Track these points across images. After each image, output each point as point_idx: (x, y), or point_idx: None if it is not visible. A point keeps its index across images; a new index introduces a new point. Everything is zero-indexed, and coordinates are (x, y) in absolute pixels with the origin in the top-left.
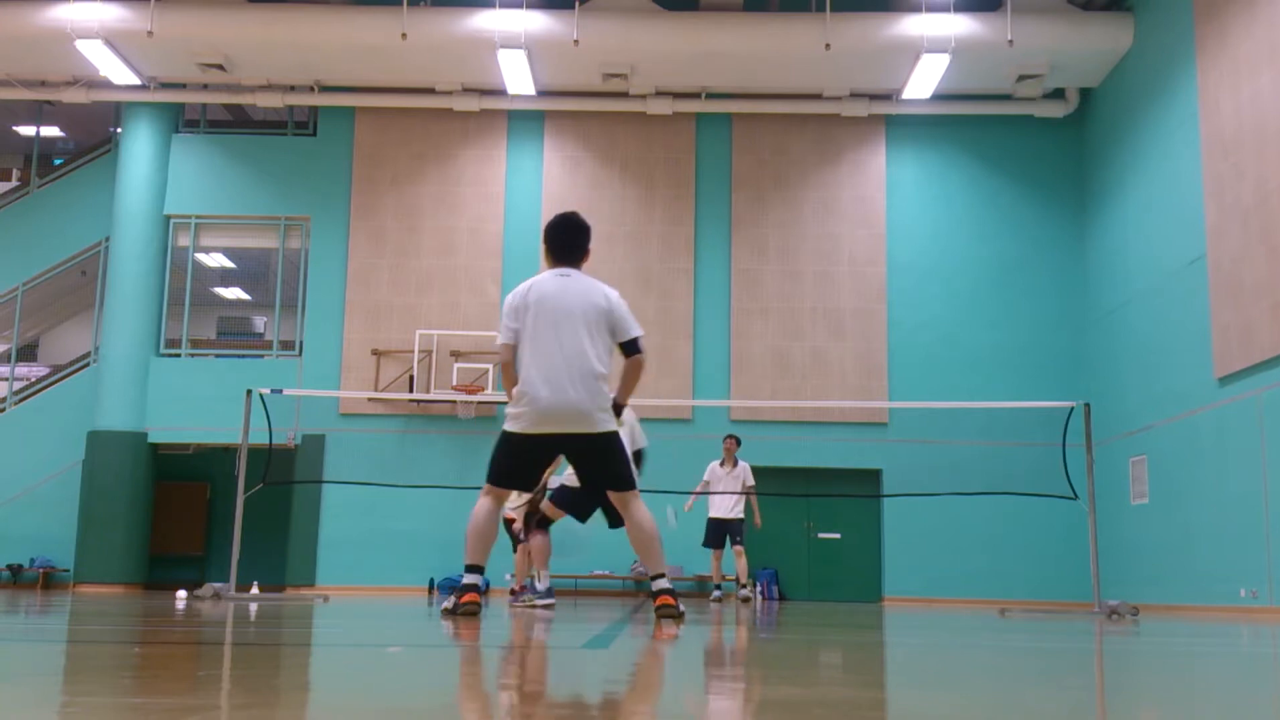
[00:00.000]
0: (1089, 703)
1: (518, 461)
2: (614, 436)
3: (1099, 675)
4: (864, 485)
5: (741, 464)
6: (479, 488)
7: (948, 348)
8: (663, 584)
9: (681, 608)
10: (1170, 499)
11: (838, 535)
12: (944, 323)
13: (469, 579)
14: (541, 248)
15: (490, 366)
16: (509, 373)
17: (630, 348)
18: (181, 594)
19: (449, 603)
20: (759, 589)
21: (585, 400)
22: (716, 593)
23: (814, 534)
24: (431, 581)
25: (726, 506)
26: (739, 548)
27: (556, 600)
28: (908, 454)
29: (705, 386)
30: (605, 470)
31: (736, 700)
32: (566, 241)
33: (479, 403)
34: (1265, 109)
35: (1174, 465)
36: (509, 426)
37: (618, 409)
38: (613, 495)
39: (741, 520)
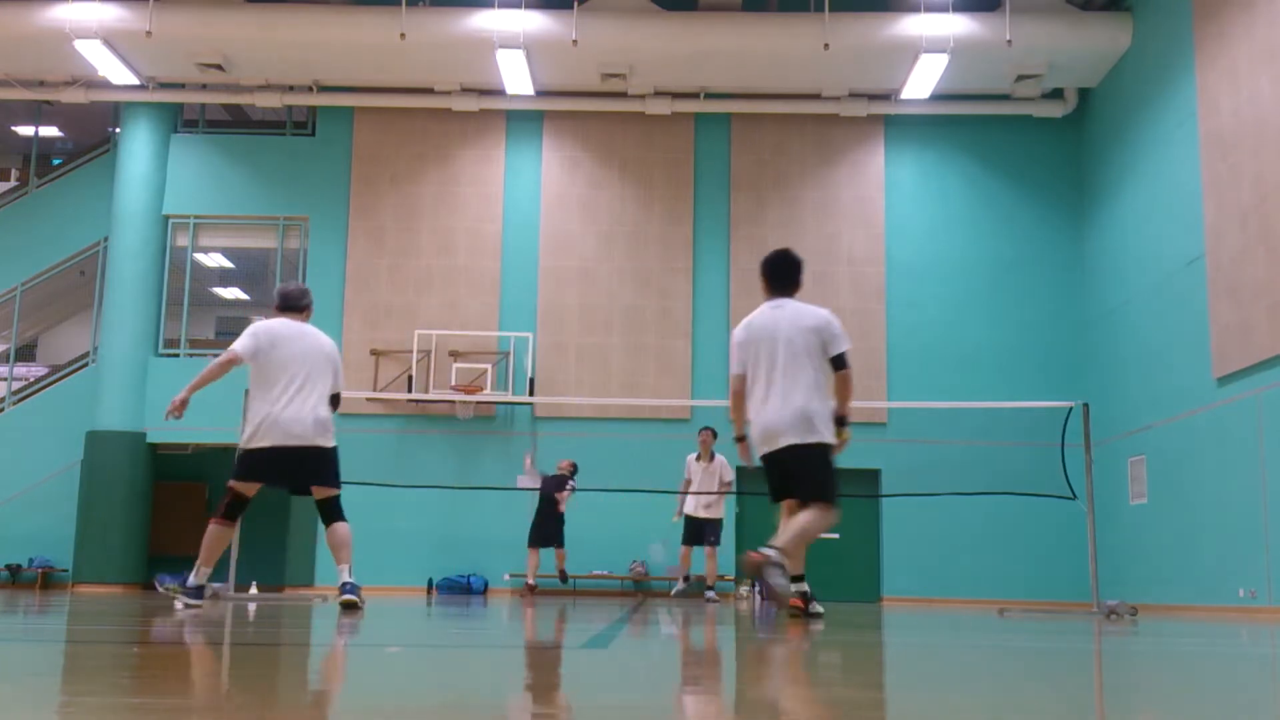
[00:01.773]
0: (1088, 703)
1: (773, 479)
2: (825, 448)
3: (1098, 675)
4: (863, 485)
5: (719, 458)
6: (478, 488)
7: (946, 347)
8: (801, 586)
9: (816, 608)
10: (1169, 499)
11: (836, 535)
12: (943, 322)
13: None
14: (761, 282)
15: (489, 366)
16: (739, 402)
17: (838, 362)
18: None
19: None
20: (757, 589)
21: (800, 415)
22: (679, 586)
23: None
24: (430, 581)
25: (703, 504)
26: (711, 549)
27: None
28: (907, 454)
29: (704, 386)
30: (808, 478)
31: (736, 700)
32: (780, 275)
33: (478, 403)
34: (1264, 109)
35: (1173, 465)
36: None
37: (840, 420)
38: (798, 502)
39: (719, 520)
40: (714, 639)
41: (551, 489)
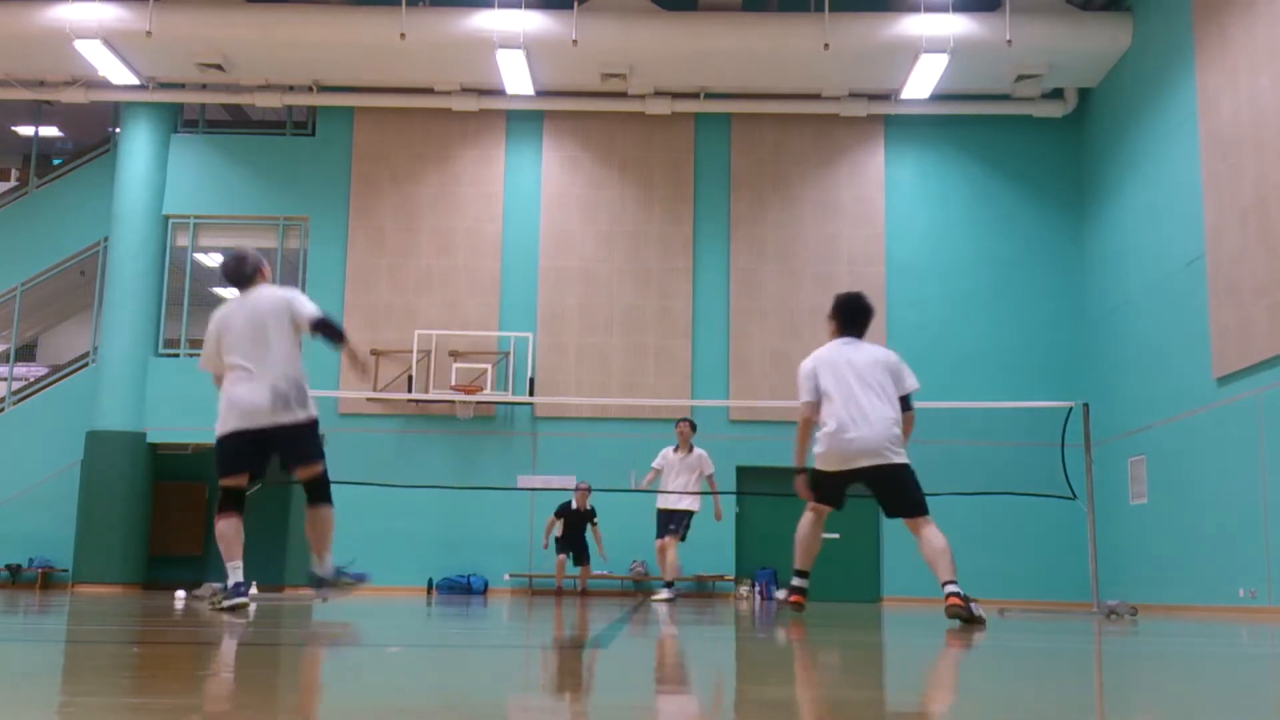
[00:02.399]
0: (1088, 703)
1: (828, 489)
2: (907, 467)
3: (1098, 675)
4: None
5: (697, 451)
6: (478, 488)
7: (946, 348)
8: (952, 589)
9: (977, 611)
10: (1169, 499)
11: (836, 535)
12: (943, 323)
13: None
14: (829, 324)
15: (489, 366)
16: (807, 428)
17: (906, 403)
18: (180, 594)
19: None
20: (757, 589)
21: (882, 438)
22: (665, 592)
23: None
24: (430, 581)
25: (674, 497)
26: (671, 540)
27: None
28: (907, 454)
29: (704, 386)
30: (900, 496)
31: (736, 700)
32: (854, 317)
33: (478, 403)
34: (1264, 109)
35: (1173, 465)
36: (820, 466)
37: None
38: (906, 520)
39: (689, 514)
40: (714, 639)
41: (585, 520)
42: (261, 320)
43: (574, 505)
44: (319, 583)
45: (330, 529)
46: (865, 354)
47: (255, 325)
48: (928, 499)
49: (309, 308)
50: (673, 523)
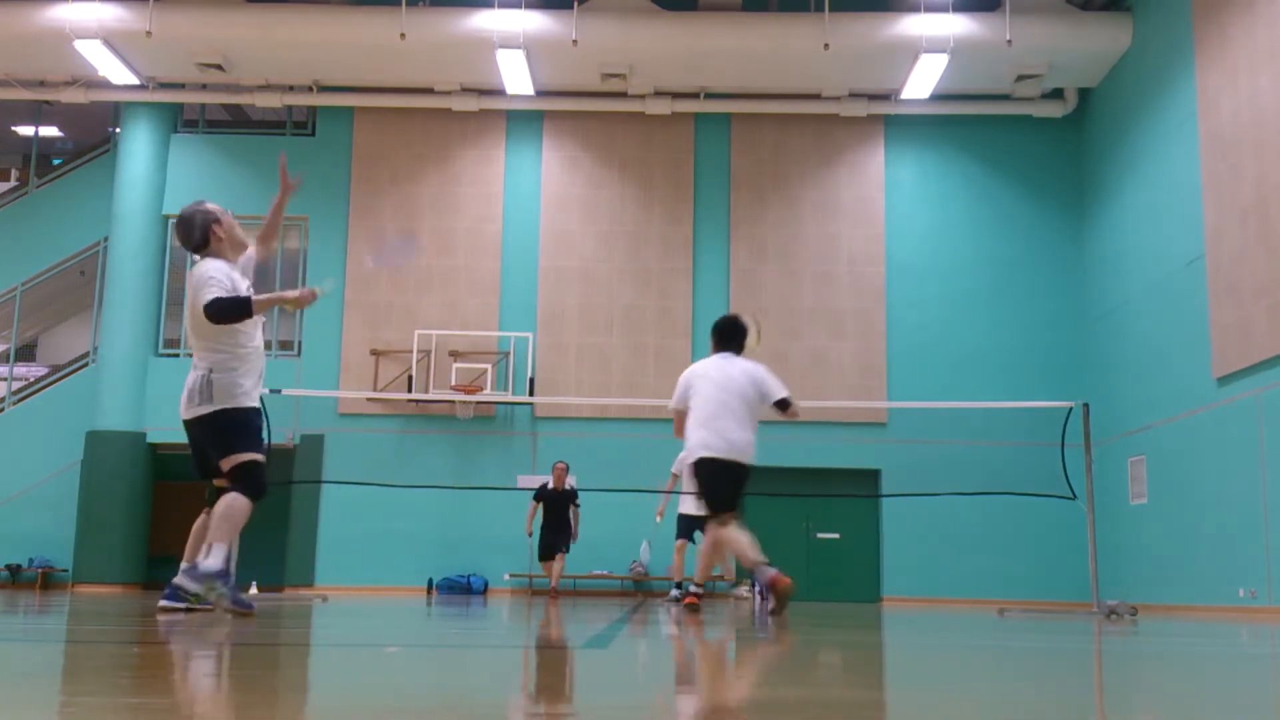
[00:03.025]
0: (1088, 703)
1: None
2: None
3: (1097, 675)
4: (863, 485)
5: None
6: (478, 488)
7: (947, 348)
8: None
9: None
10: (1169, 499)
11: (836, 535)
12: (943, 322)
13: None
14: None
15: (489, 366)
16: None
17: (782, 405)
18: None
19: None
20: (756, 589)
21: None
22: (675, 592)
23: (812, 534)
24: (430, 581)
25: (699, 502)
26: (684, 542)
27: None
28: (907, 454)
29: None
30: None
31: (736, 700)
32: (728, 335)
33: (478, 403)
34: (1264, 109)
35: (1173, 465)
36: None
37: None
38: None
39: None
40: (713, 639)
41: (565, 501)
42: (189, 304)
43: (550, 485)
44: (174, 590)
45: (231, 524)
46: (736, 368)
47: (188, 308)
48: (924, 499)
49: (202, 296)
50: (698, 526)
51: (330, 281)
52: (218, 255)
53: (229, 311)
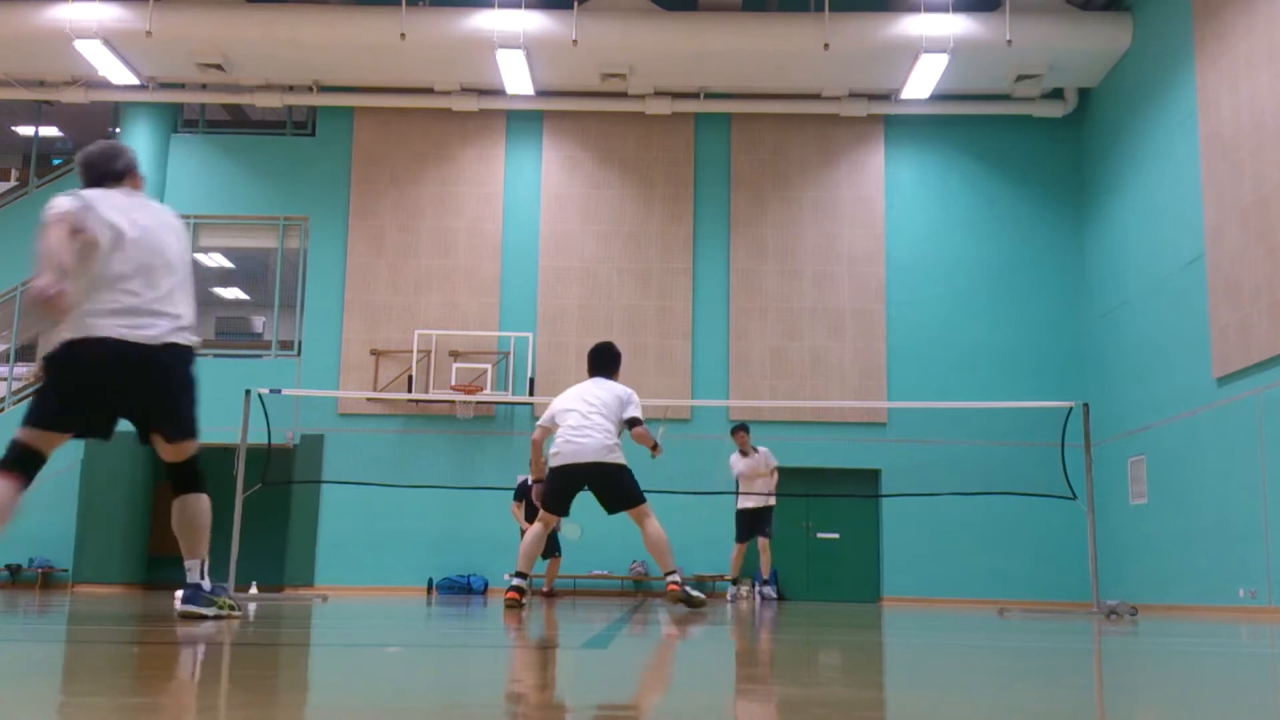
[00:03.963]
0: (1088, 703)
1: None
2: (622, 468)
3: (1097, 675)
4: (863, 485)
5: (762, 449)
6: (478, 488)
7: (946, 348)
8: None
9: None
10: (1169, 499)
11: (836, 535)
12: (943, 322)
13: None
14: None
15: (489, 366)
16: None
17: (632, 424)
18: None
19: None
20: (756, 589)
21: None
22: (733, 589)
23: (813, 534)
24: (430, 581)
25: (755, 498)
26: (764, 541)
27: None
28: (907, 454)
29: (704, 386)
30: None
31: (736, 700)
32: (600, 361)
33: (477, 403)
34: (1264, 109)
35: (1173, 465)
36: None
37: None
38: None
39: (769, 509)
40: (712, 639)
41: None
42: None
43: (531, 480)
44: (197, 596)
45: (206, 524)
46: (605, 390)
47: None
48: (924, 499)
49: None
50: (762, 523)
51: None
52: None
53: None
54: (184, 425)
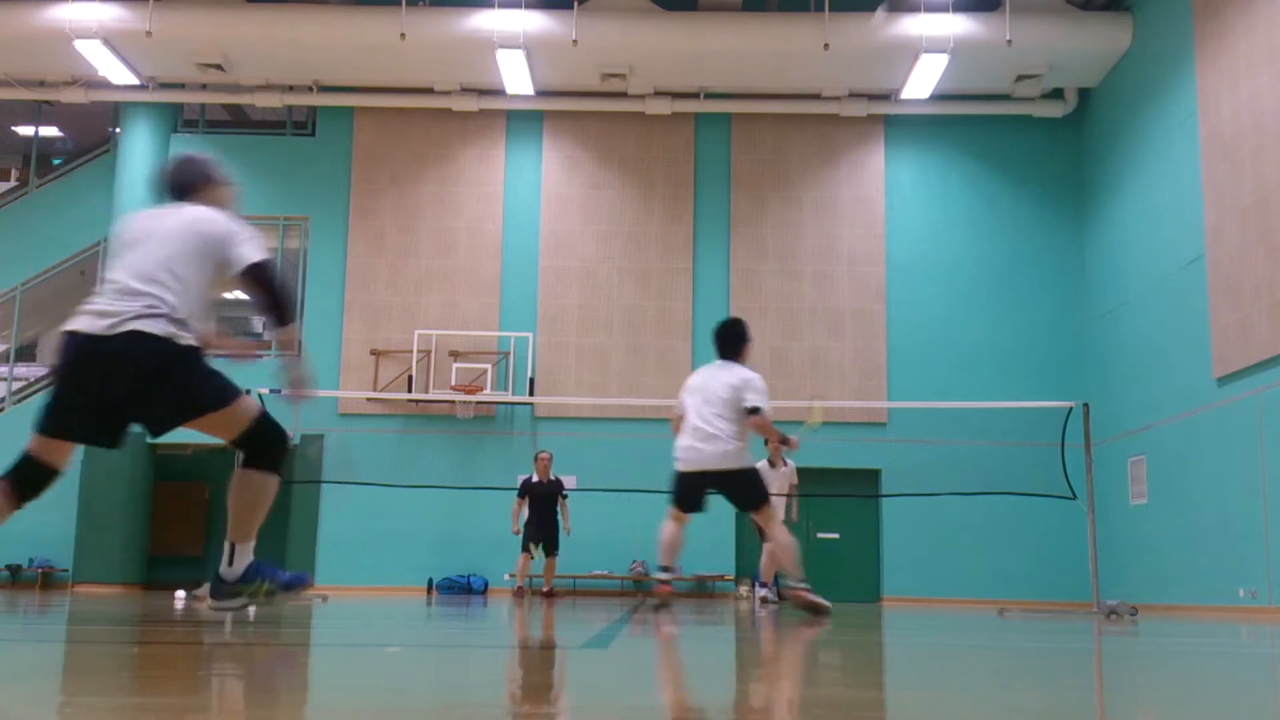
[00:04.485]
0: (1088, 703)
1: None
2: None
3: (1097, 675)
4: (863, 485)
5: (790, 464)
6: (478, 488)
7: (946, 348)
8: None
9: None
10: (1169, 499)
11: (836, 535)
12: (943, 322)
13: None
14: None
15: (489, 366)
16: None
17: (750, 412)
18: (180, 594)
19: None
20: (757, 589)
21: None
22: (763, 591)
23: (812, 534)
24: (430, 581)
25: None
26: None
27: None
28: (907, 454)
29: None
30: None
31: (736, 700)
32: (724, 342)
33: (478, 403)
34: (1264, 109)
35: (1173, 465)
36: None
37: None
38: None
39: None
40: (713, 639)
41: (553, 493)
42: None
43: (535, 478)
44: (219, 588)
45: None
46: (727, 376)
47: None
48: (924, 499)
49: (242, 254)
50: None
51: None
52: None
53: (281, 291)
54: (166, 416)
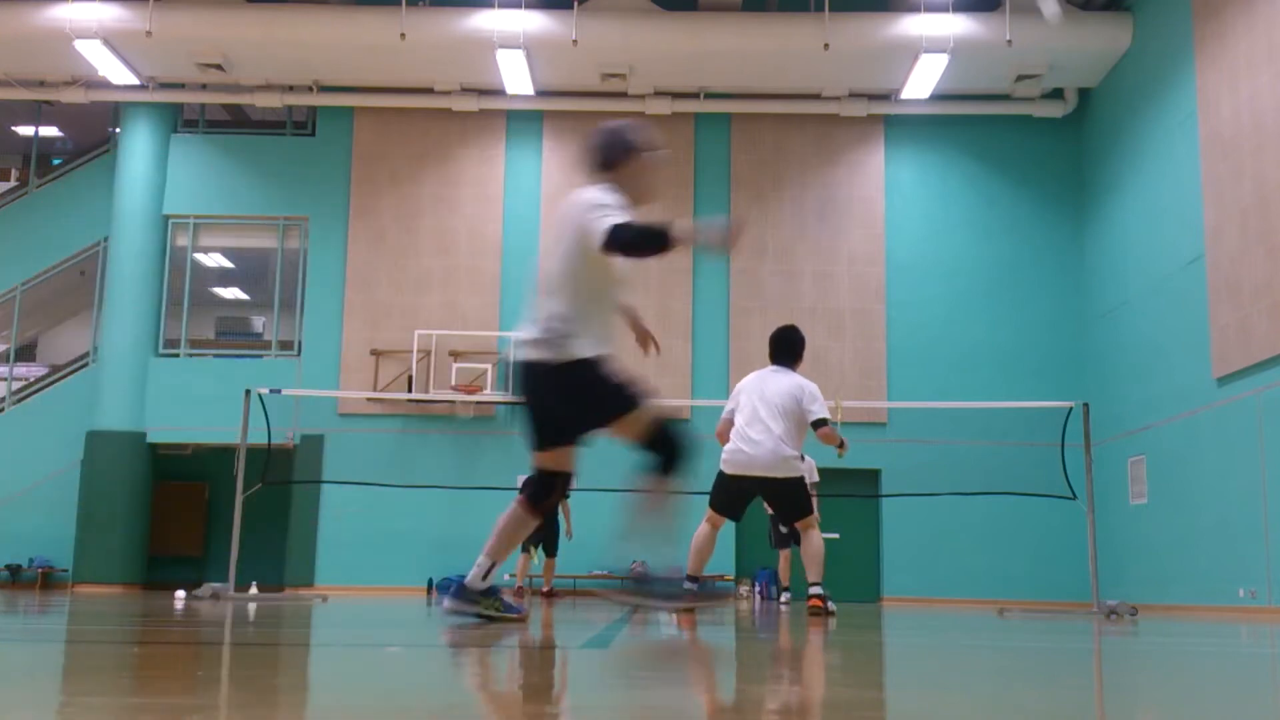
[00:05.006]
0: (1088, 703)
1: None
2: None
3: (1098, 675)
4: (863, 485)
5: (809, 460)
6: (478, 488)
7: (947, 347)
8: (816, 590)
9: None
10: (1169, 499)
11: (836, 535)
12: (943, 322)
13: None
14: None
15: (489, 366)
16: (722, 439)
17: (818, 425)
18: (180, 594)
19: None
20: (757, 589)
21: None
22: (785, 595)
23: None
24: (430, 581)
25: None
26: (790, 550)
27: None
28: (907, 454)
29: (704, 386)
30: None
31: (735, 700)
32: (781, 348)
33: (478, 403)
34: (1264, 109)
35: (1173, 465)
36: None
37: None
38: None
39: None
40: (713, 639)
41: None
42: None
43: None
44: (462, 593)
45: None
46: (785, 383)
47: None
48: (925, 498)
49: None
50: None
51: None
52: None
53: (640, 242)
54: (538, 437)
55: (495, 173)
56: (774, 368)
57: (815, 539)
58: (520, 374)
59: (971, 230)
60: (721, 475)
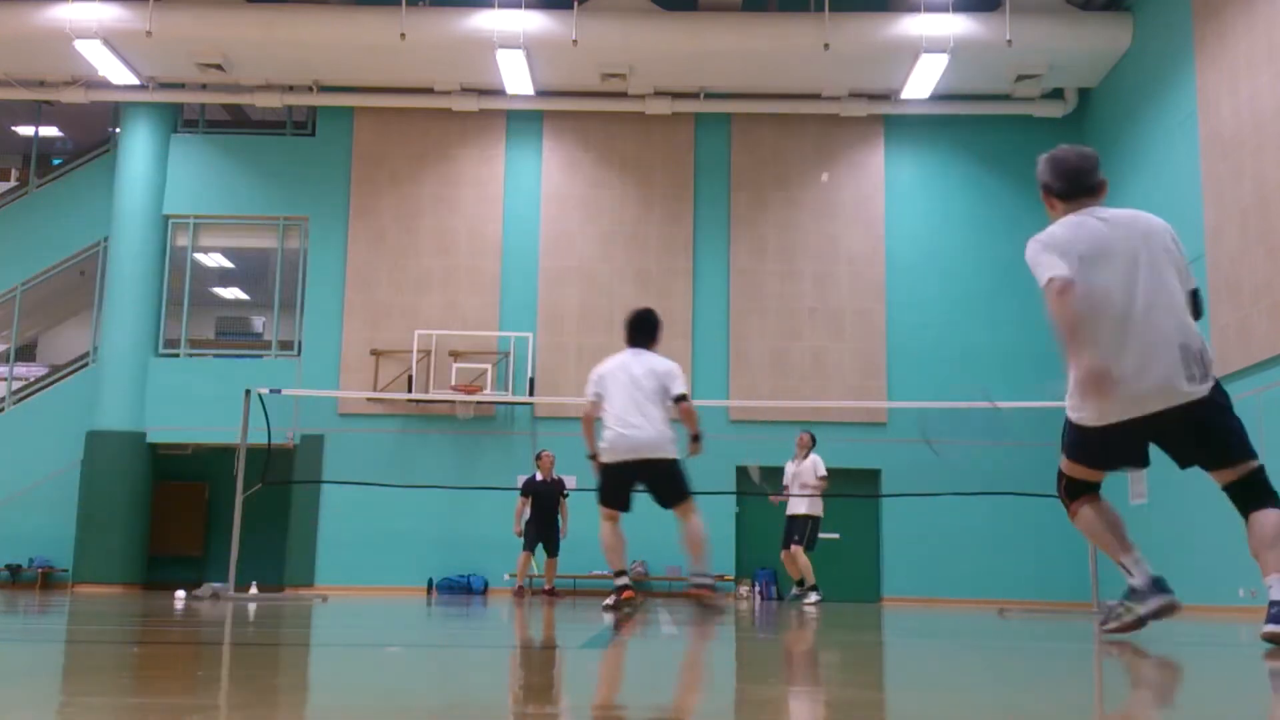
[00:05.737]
0: (1088, 703)
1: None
2: (675, 462)
3: (1098, 675)
4: (863, 485)
5: (812, 457)
6: (478, 488)
7: (947, 347)
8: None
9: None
10: (1170, 499)
11: (836, 535)
12: (943, 322)
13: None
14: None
15: (489, 366)
16: (589, 423)
17: (679, 399)
18: (180, 594)
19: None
20: (757, 589)
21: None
22: (795, 590)
23: None
24: (430, 581)
25: (793, 502)
26: (795, 549)
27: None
28: (907, 454)
29: (704, 386)
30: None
31: (735, 700)
32: (639, 328)
33: (477, 403)
34: (1264, 109)
35: (1173, 465)
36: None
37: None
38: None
39: (806, 517)
40: (713, 639)
41: (555, 493)
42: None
43: (539, 477)
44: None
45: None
46: (648, 364)
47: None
48: (924, 499)
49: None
50: (793, 530)
51: None
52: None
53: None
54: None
55: (495, 173)
56: (633, 350)
57: (696, 522)
58: (1198, 409)
59: (971, 230)
60: (605, 468)
